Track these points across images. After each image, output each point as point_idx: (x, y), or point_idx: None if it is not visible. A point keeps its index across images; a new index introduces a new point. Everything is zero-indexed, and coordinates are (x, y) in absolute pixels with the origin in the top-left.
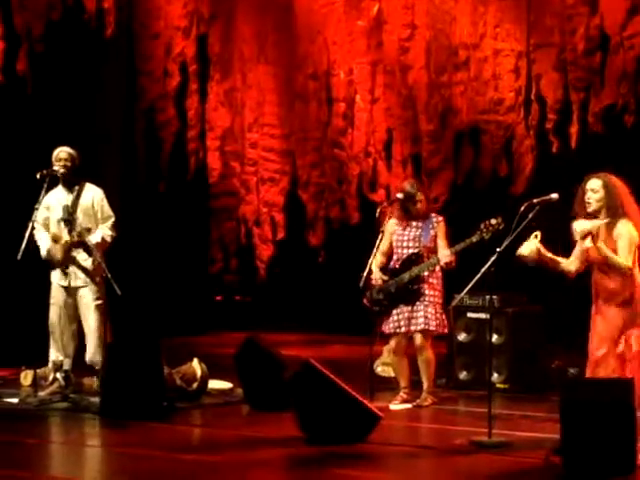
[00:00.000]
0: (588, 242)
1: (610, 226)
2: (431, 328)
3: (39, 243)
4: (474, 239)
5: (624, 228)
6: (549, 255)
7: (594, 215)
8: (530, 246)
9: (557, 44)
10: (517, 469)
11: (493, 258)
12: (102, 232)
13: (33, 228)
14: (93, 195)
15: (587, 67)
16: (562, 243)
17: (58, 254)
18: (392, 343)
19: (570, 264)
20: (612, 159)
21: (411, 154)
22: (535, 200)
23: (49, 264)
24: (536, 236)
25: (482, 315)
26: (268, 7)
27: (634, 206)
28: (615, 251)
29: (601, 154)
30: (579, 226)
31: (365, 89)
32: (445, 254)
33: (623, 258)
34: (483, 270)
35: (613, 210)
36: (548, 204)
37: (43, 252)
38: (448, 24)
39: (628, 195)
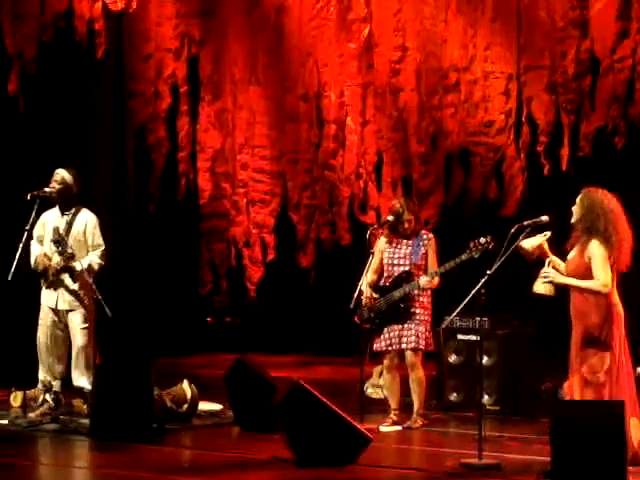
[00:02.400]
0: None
1: (585, 242)
2: (421, 347)
3: (31, 251)
4: (463, 257)
5: (594, 249)
6: (552, 256)
7: (574, 226)
8: (534, 241)
9: (547, 67)
10: None
11: (483, 280)
12: (90, 259)
13: (26, 247)
14: (86, 221)
15: (577, 90)
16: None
17: (48, 271)
18: (385, 362)
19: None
20: (602, 181)
21: (401, 176)
22: (525, 222)
23: (37, 276)
24: (545, 234)
25: (472, 337)
26: (259, 29)
27: (620, 226)
28: (588, 269)
29: (591, 176)
30: (526, 243)
31: (356, 111)
32: (425, 280)
33: (600, 277)
34: (473, 292)
35: (586, 224)
36: (538, 226)
37: (32, 260)
38: (439, 46)
39: (612, 213)
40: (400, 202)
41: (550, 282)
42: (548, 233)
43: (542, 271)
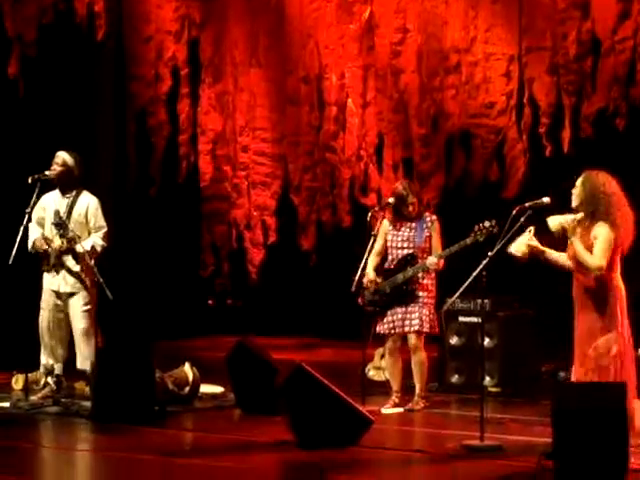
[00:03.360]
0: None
1: (589, 226)
2: (425, 329)
3: (29, 235)
4: (468, 241)
5: (601, 230)
6: (544, 249)
7: (577, 210)
8: (520, 243)
9: (549, 48)
10: (509, 473)
11: (484, 262)
12: (93, 241)
13: (25, 230)
14: (88, 203)
15: (579, 71)
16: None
17: (50, 254)
18: (387, 344)
19: (567, 259)
20: (604, 163)
21: (402, 158)
22: (527, 204)
23: (38, 259)
24: (530, 231)
25: (474, 319)
26: (259, 11)
27: (622, 208)
28: (591, 251)
29: (593, 158)
30: (551, 221)
31: (357, 93)
32: (432, 261)
33: (597, 258)
34: (474, 274)
35: (590, 208)
36: (540, 208)
37: (29, 243)
38: (439, 28)
39: (614, 196)
40: (403, 185)
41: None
42: (532, 228)
43: (568, 216)
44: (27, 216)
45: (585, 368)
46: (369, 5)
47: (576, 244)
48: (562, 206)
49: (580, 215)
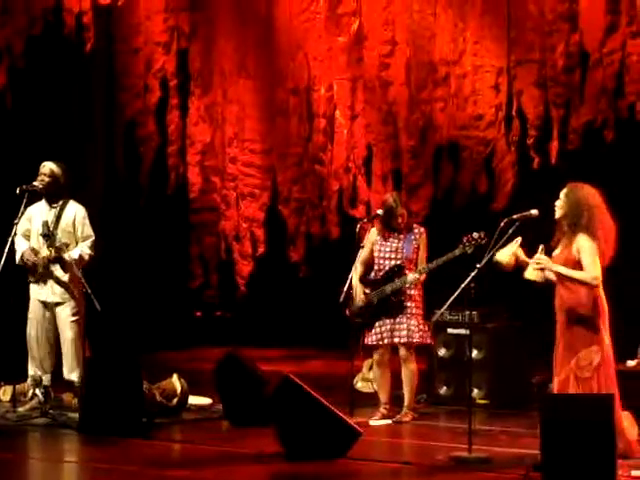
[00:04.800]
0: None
1: (571, 237)
2: (414, 340)
3: (16, 247)
4: (457, 252)
5: (583, 242)
6: (529, 261)
7: (559, 222)
8: (507, 252)
9: (537, 60)
10: None
11: (473, 274)
12: (80, 250)
13: (13, 242)
14: (75, 212)
15: (567, 83)
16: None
17: (37, 265)
18: (375, 356)
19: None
20: (592, 175)
21: (391, 170)
22: (515, 216)
23: (25, 271)
24: (517, 241)
25: (462, 331)
26: (248, 22)
27: (605, 221)
28: (576, 264)
29: (581, 170)
30: (501, 256)
31: (345, 105)
32: (412, 277)
33: (590, 270)
34: (463, 286)
35: (572, 220)
36: (528, 220)
37: (17, 256)
38: (428, 40)
39: (597, 208)
40: (393, 196)
41: (542, 269)
42: (519, 239)
43: (535, 257)
44: (15, 227)
45: (566, 380)
46: (358, 17)
47: (562, 270)
48: (550, 218)
49: (519, 240)
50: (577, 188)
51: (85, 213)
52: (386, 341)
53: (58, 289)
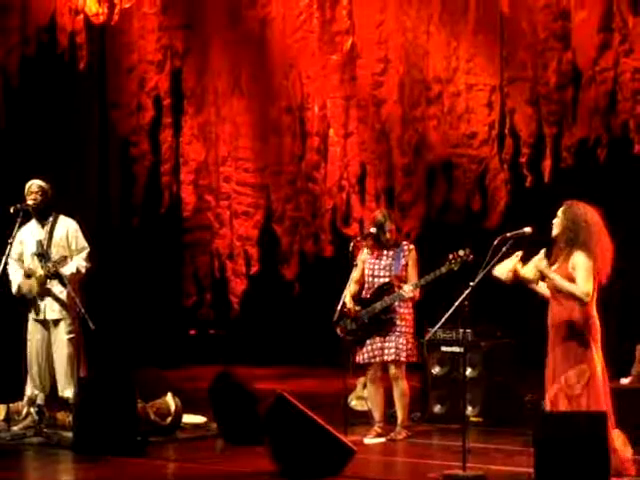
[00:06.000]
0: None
1: (567, 255)
2: (402, 359)
3: (11, 278)
4: (443, 270)
5: (579, 259)
6: (528, 277)
7: (556, 239)
8: (506, 266)
9: (530, 78)
10: None
11: (466, 292)
12: (77, 263)
13: (7, 263)
14: (67, 227)
15: (560, 101)
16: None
17: (33, 289)
18: (368, 374)
19: (547, 288)
20: (585, 193)
21: (384, 188)
22: (508, 234)
23: (21, 299)
24: (517, 255)
25: (456, 349)
26: (242, 41)
27: (602, 239)
28: (572, 281)
29: (574, 188)
30: (499, 271)
31: (339, 123)
32: (407, 290)
33: (582, 286)
34: (456, 304)
35: (569, 237)
36: (521, 238)
37: (14, 288)
38: (421, 58)
39: (595, 226)
40: (382, 212)
41: (540, 272)
42: (519, 253)
43: (536, 258)
44: (9, 247)
45: (556, 397)
46: (351, 36)
47: (556, 278)
48: (543, 236)
49: (519, 254)
50: (575, 206)
51: (77, 226)
52: (377, 359)
53: (56, 306)
